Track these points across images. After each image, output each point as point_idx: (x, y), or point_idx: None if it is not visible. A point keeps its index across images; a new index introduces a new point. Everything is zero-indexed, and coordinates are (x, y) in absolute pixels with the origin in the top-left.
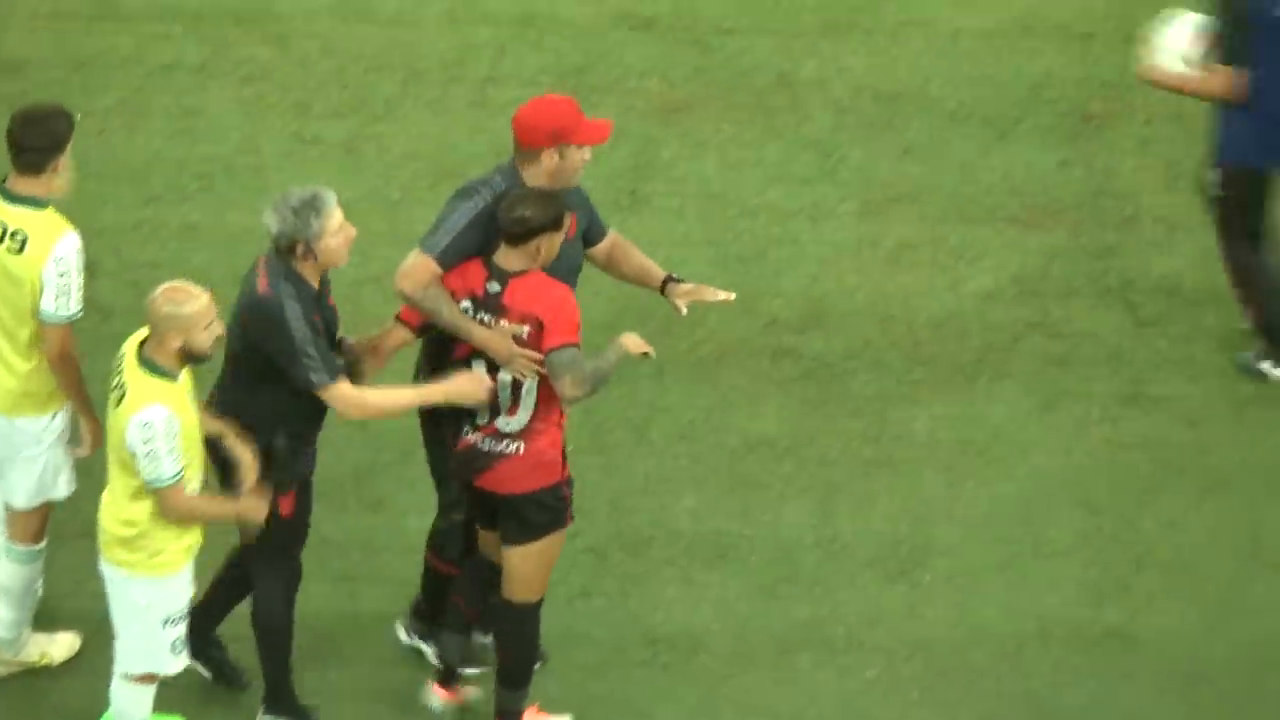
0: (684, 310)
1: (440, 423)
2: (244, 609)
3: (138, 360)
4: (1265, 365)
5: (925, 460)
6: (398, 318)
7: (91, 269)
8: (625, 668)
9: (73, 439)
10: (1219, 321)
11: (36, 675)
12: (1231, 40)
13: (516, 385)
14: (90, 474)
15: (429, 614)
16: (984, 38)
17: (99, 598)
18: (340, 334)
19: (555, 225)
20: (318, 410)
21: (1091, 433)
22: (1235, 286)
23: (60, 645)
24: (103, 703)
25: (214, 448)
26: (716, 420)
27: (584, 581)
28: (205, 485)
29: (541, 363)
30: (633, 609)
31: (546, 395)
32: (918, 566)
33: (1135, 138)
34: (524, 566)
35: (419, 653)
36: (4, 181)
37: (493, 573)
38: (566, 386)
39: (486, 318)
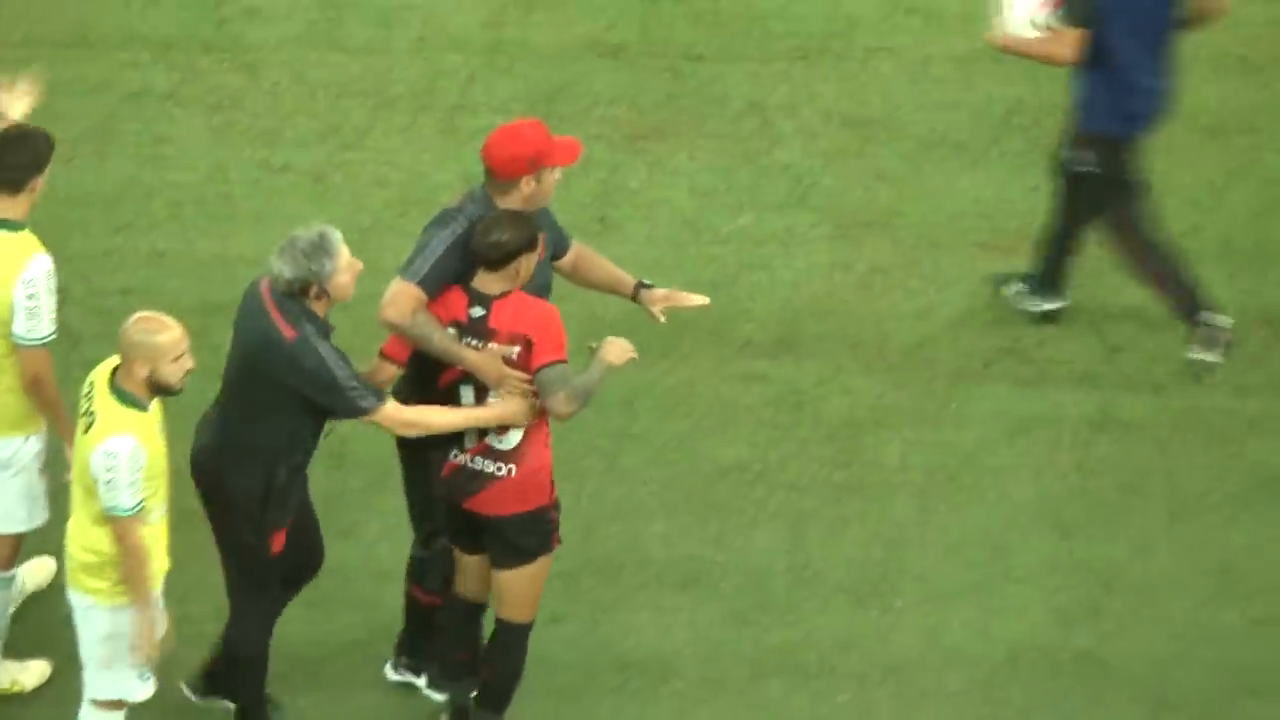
0: (661, 318)
1: (424, 447)
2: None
3: (109, 388)
4: (1205, 353)
5: (897, 485)
6: (382, 354)
7: (60, 296)
8: (597, 694)
9: (62, 463)
10: (1188, 348)
11: (7, 702)
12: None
13: None
14: (56, 500)
15: (414, 647)
16: (955, 64)
17: (70, 624)
18: None
19: (531, 245)
20: (314, 442)
21: (1062, 457)
22: (1135, 267)
23: (31, 672)
24: None
25: None
26: (688, 446)
27: (555, 607)
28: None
29: (531, 383)
30: (604, 635)
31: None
32: (889, 591)
33: None
34: (515, 589)
35: (405, 684)
36: None
37: (471, 613)
38: (559, 403)
39: (474, 342)
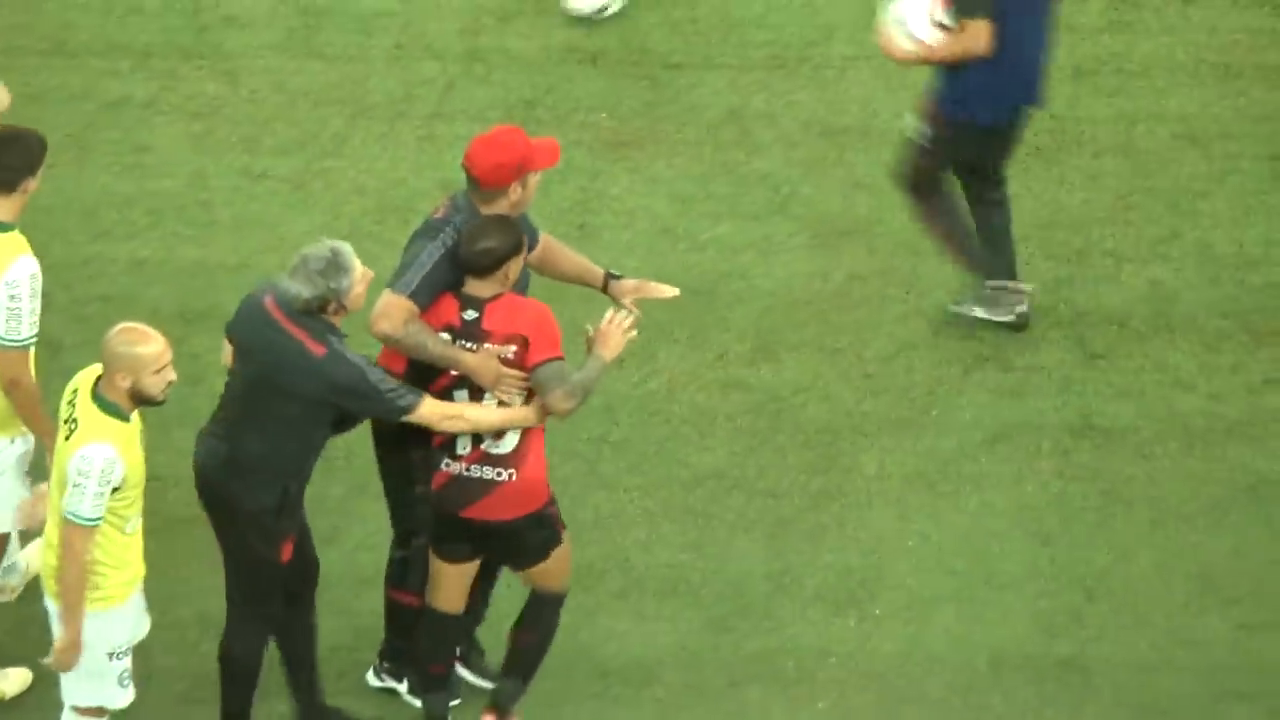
0: (636, 311)
1: (404, 445)
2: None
3: (91, 396)
4: (979, 310)
5: (875, 493)
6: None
7: (43, 302)
8: (577, 700)
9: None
10: (1168, 354)
11: None
12: None
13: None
14: None
15: (395, 652)
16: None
17: (50, 632)
18: None
19: (518, 249)
20: (319, 454)
21: (1042, 464)
22: (937, 236)
23: (12, 680)
24: None
25: None
26: (667, 453)
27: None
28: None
29: (527, 381)
30: (584, 641)
31: None
32: (869, 599)
33: (1083, 171)
34: (543, 574)
35: (387, 690)
36: None
37: (447, 625)
38: (558, 400)
39: (468, 345)
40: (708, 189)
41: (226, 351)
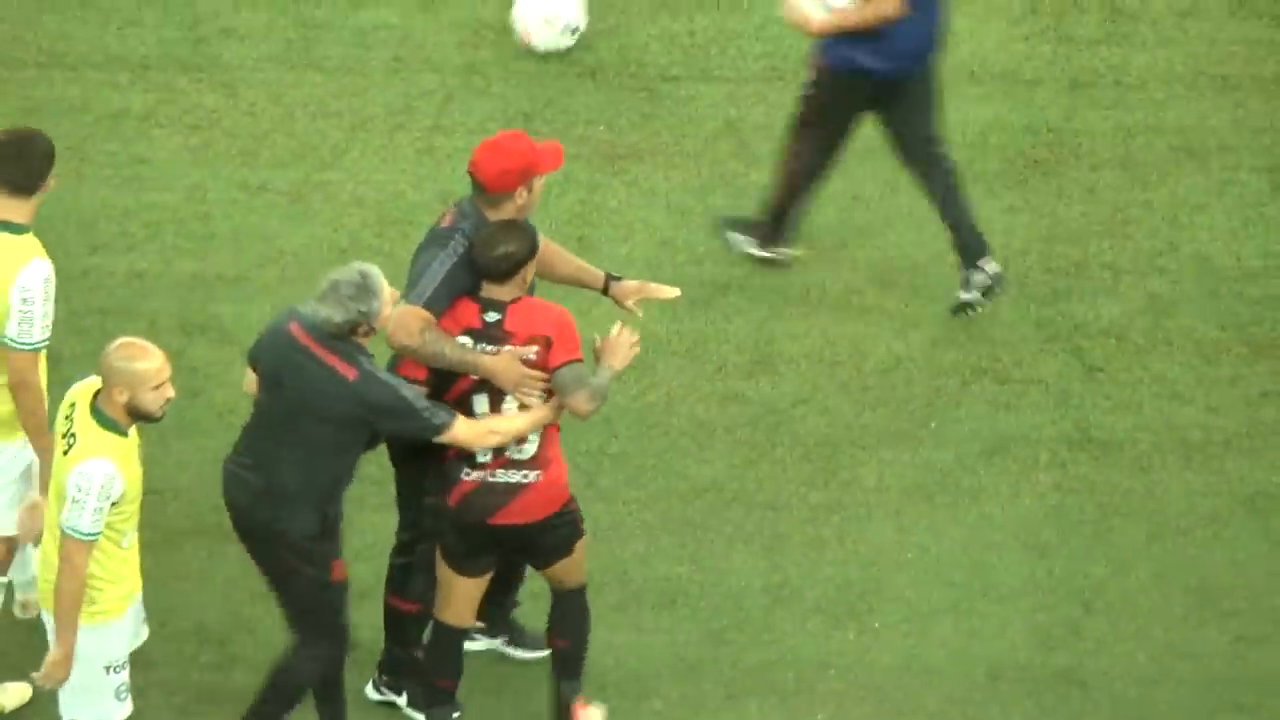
0: (639, 312)
1: (420, 452)
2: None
3: (90, 411)
4: (741, 238)
5: (874, 505)
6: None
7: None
8: None
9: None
10: (1166, 367)
11: None
12: None
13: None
14: None
15: (395, 664)
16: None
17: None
18: None
19: (534, 252)
20: (353, 476)
21: (1040, 477)
22: (785, 172)
23: (11, 695)
24: None
25: None
26: (665, 465)
27: (535, 627)
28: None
29: (548, 383)
30: None
31: None
32: (867, 611)
33: (1082, 184)
34: (562, 570)
35: (386, 703)
36: None
37: (457, 640)
38: (582, 401)
39: (489, 347)
40: (706, 201)
41: (250, 380)
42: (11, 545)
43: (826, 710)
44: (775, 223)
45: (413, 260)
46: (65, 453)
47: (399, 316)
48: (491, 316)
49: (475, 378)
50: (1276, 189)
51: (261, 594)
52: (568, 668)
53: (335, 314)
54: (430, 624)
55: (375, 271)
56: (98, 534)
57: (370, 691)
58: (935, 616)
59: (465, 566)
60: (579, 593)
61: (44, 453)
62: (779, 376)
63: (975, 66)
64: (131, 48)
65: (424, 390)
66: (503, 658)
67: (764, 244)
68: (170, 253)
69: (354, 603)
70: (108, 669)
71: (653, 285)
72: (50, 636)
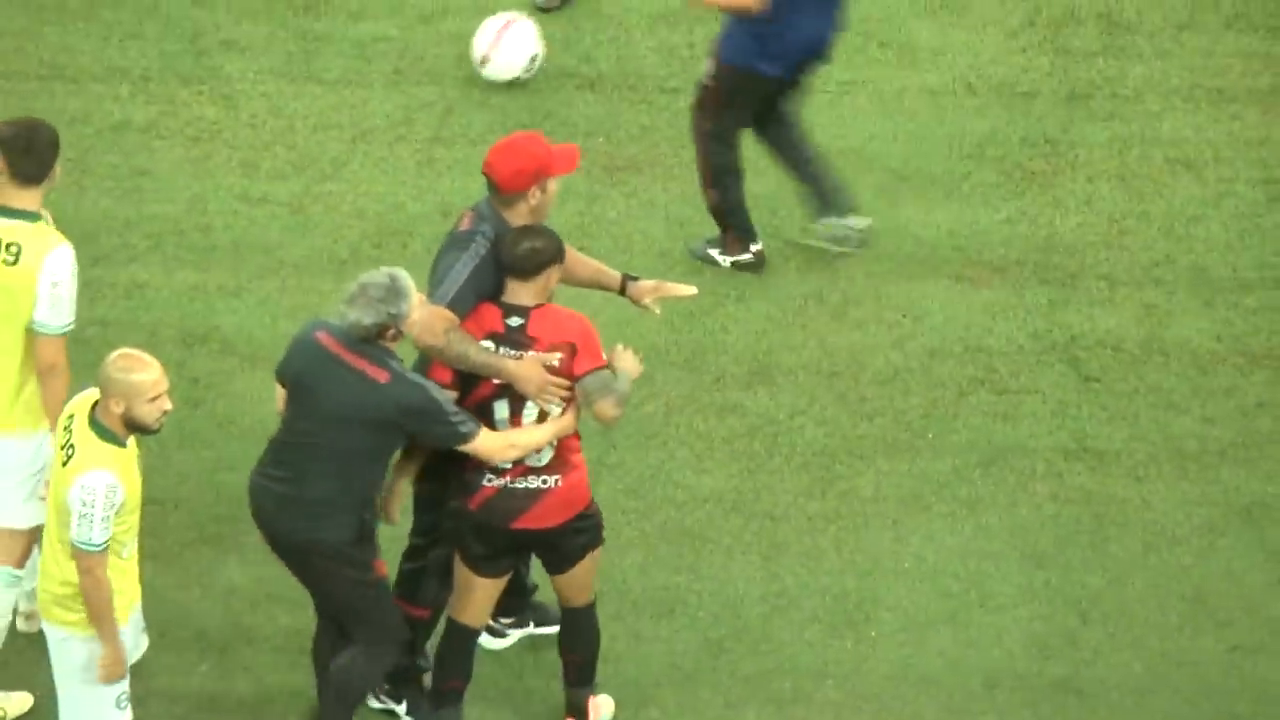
0: (657, 310)
1: (442, 456)
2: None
3: (88, 422)
4: (714, 252)
5: (871, 515)
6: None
7: None
8: None
9: None
10: (1162, 377)
11: None
12: None
13: (543, 418)
14: None
15: (399, 672)
16: (928, 96)
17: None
18: None
19: (560, 256)
20: (383, 482)
21: (1036, 487)
22: (705, 175)
23: (14, 703)
24: None
25: None
26: (663, 476)
27: (533, 635)
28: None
29: (570, 389)
30: None
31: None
32: (865, 620)
33: (1078, 195)
34: (576, 581)
35: (386, 712)
36: None
37: (471, 640)
38: (608, 408)
39: (511, 352)
40: (704, 212)
41: (280, 395)
42: (34, 538)
43: (824, 719)
44: (728, 225)
45: (434, 264)
46: (64, 464)
47: (424, 317)
48: (514, 321)
49: (497, 383)
50: (1272, 200)
51: (262, 603)
52: (581, 676)
53: (365, 316)
54: (445, 625)
55: (403, 274)
56: (107, 542)
57: (370, 699)
58: (932, 626)
59: (484, 569)
60: (588, 609)
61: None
62: (777, 387)
63: (973, 78)
64: (133, 60)
65: (453, 395)
66: (531, 643)
67: (732, 249)
68: (171, 264)
69: None
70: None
71: (669, 285)
72: (51, 647)
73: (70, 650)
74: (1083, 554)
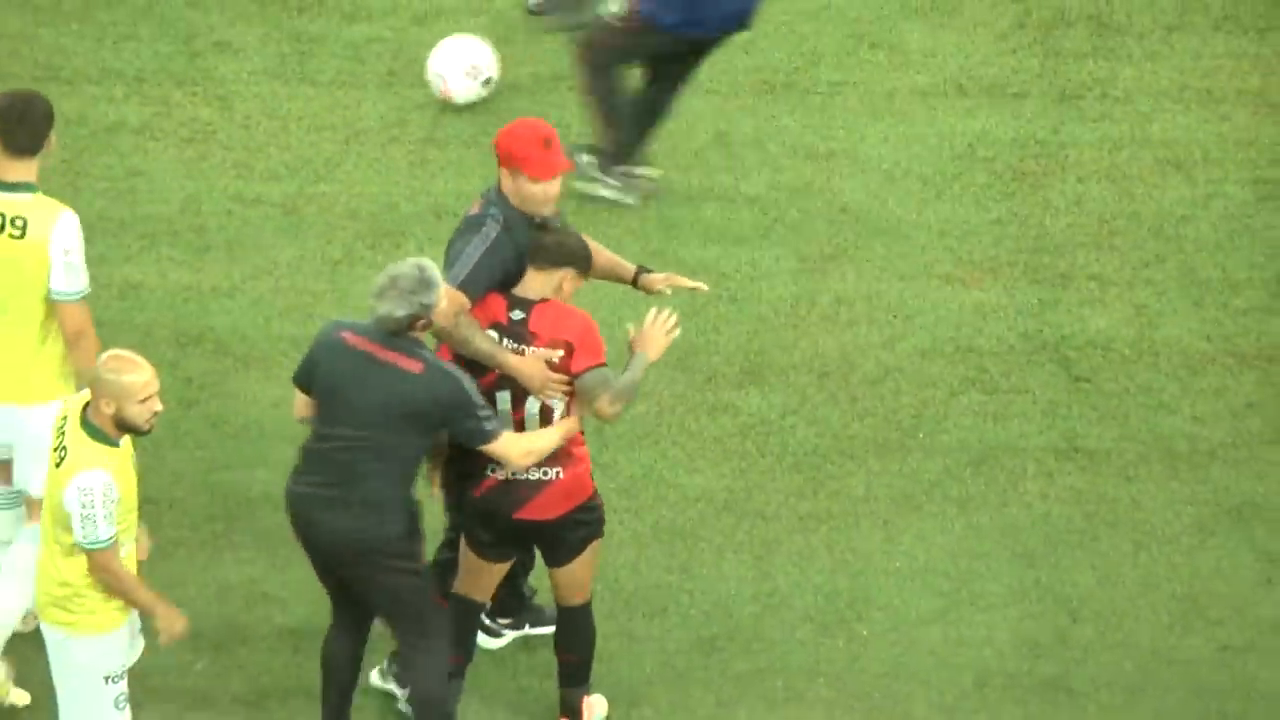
0: (668, 291)
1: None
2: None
3: (80, 423)
4: (599, 173)
5: (862, 514)
6: None
7: None
8: None
9: None
10: (1152, 377)
11: None
12: None
13: (546, 412)
14: None
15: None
16: (918, 98)
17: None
18: None
19: (586, 263)
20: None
21: (1027, 487)
22: (598, 111)
23: (15, 697)
24: None
25: None
26: (655, 475)
27: (528, 635)
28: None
29: (570, 384)
30: None
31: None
32: (855, 619)
33: (1068, 196)
34: (575, 577)
35: (385, 692)
36: None
37: (476, 615)
38: (605, 405)
39: (513, 345)
40: (696, 213)
41: (300, 403)
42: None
43: (816, 717)
44: (614, 159)
45: (447, 248)
46: (57, 465)
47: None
48: (517, 314)
49: (498, 374)
50: (1262, 201)
51: (256, 602)
52: (576, 676)
53: (397, 309)
54: (450, 601)
55: (430, 263)
56: (115, 536)
57: (375, 677)
58: (923, 625)
59: (490, 555)
60: (585, 608)
61: None
62: (768, 387)
63: (963, 79)
64: (127, 62)
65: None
66: (525, 642)
67: (609, 167)
68: (165, 264)
69: None
70: (106, 679)
71: (679, 277)
72: (49, 648)
73: (69, 651)
74: (1073, 553)
